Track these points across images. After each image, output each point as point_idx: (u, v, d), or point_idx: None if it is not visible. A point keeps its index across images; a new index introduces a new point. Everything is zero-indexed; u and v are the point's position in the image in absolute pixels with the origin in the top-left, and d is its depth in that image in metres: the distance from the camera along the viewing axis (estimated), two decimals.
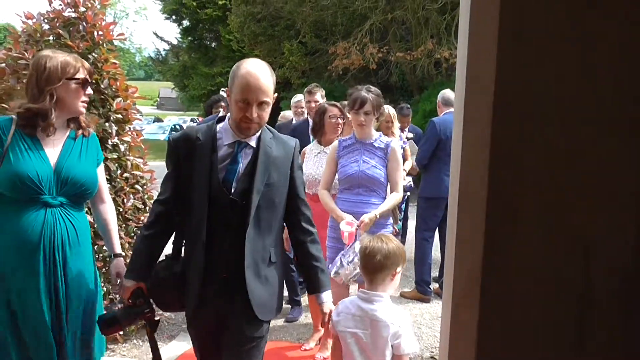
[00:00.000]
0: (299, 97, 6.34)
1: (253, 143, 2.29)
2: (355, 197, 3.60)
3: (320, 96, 5.30)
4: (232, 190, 2.23)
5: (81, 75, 2.43)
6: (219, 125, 2.32)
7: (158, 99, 66.93)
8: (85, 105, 2.49)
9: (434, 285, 5.52)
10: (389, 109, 5.13)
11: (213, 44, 24.53)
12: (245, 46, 18.31)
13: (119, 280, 2.56)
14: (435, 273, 5.92)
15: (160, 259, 2.40)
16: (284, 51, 16.70)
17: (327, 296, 2.41)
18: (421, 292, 5.31)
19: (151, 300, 2.35)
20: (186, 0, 22.88)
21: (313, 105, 5.14)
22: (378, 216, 3.48)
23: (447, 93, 5.59)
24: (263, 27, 16.95)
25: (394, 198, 3.63)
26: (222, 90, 6.34)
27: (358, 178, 3.58)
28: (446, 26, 13.33)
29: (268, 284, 2.31)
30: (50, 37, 3.82)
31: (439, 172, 5.20)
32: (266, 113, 2.21)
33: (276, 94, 2.29)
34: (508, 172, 0.88)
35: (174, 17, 24.92)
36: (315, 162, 4.22)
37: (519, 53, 0.85)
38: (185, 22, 24.81)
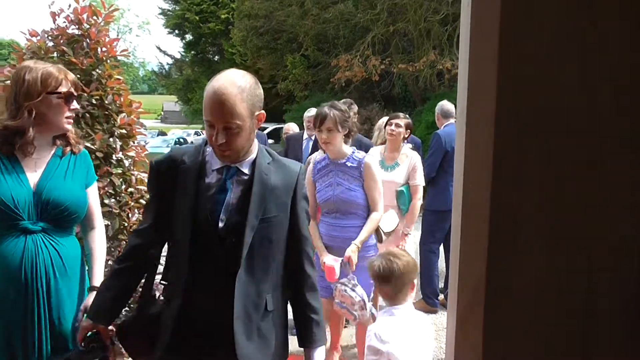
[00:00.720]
0: (312, 112, 6.11)
1: (246, 169, 1.91)
2: (334, 221, 3.46)
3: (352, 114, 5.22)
4: (221, 225, 1.86)
5: (64, 88, 2.17)
6: (209, 148, 1.93)
7: (162, 113, 67.18)
8: (71, 121, 2.24)
9: (440, 296, 5.50)
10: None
11: (216, 58, 24.66)
12: (248, 59, 18.42)
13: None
14: (441, 284, 5.90)
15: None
16: (286, 64, 16.80)
17: (319, 354, 2.04)
18: (429, 304, 5.31)
19: (111, 346, 2.04)
20: (189, 15, 23.04)
21: None
22: (360, 246, 3.34)
23: (446, 105, 5.58)
24: (265, 40, 17.06)
25: (374, 220, 3.43)
26: None
27: (334, 202, 3.41)
28: (448, 37, 13.39)
29: (262, 338, 1.91)
30: (55, 54, 3.85)
31: (446, 184, 5.23)
32: (240, 138, 1.80)
33: (261, 112, 1.88)
34: (511, 181, 0.89)
35: (176, 31, 25.08)
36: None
37: (521, 55, 0.86)
38: (188, 36, 24.98)
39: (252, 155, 1.93)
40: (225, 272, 1.85)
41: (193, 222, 1.85)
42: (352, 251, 3.28)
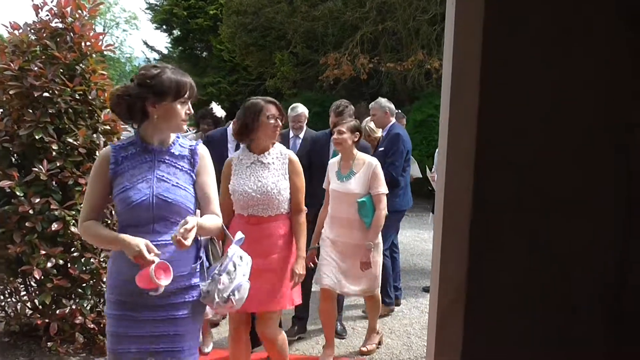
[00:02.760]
0: (298, 110, 5.25)
1: None
2: (150, 240, 2.21)
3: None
4: None
5: None
6: None
7: None
8: None
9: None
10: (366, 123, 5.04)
11: (204, 54, 24.50)
12: (236, 56, 18.33)
13: None
14: (425, 282, 5.95)
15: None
16: (275, 61, 16.73)
17: None
18: (387, 304, 5.19)
19: None
20: (177, 10, 22.86)
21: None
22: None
23: (388, 102, 5.41)
24: (254, 37, 16.97)
25: (210, 221, 2.38)
26: (214, 103, 5.63)
27: (150, 207, 2.26)
28: (436, 37, 13.41)
29: None
30: (37, 48, 3.80)
31: (405, 184, 5.21)
32: None
33: None
34: (493, 181, 0.88)
35: (164, 26, 24.90)
36: (249, 175, 3.22)
37: (504, 53, 0.85)
38: (176, 32, 24.78)
39: None
40: None
41: None
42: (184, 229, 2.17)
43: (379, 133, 5.12)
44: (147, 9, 25.78)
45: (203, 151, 2.48)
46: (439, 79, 13.16)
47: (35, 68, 3.68)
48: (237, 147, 4.84)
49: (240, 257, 2.47)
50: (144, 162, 2.35)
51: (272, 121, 3.21)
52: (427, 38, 13.72)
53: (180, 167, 2.38)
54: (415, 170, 6.25)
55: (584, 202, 0.86)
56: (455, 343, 0.93)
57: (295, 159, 3.34)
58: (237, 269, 2.42)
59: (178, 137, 2.45)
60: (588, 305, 0.87)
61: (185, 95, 2.36)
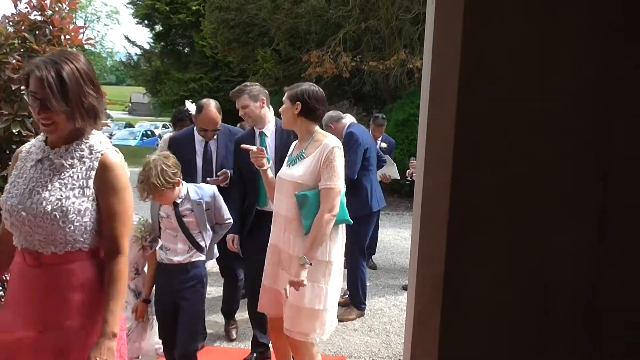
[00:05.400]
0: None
1: None
2: None
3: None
4: None
5: None
6: None
7: (130, 104, 66.07)
8: None
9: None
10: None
11: (186, 50, 24.35)
12: (219, 52, 18.25)
13: None
14: (404, 281, 5.99)
15: None
16: (257, 58, 16.68)
17: None
18: (363, 309, 5.16)
19: None
20: (159, 5, 22.67)
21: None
22: None
23: (329, 112, 5.18)
24: (237, 33, 16.90)
25: None
26: (188, 101, 5.13)
27: None
28: (419, 36, 13.46)
29: None
30: (16, 41, 3.74)
31: (370, 184, 4.97)
32: None
33: None
34: (472, 182, 0.88)
35: (146, 21, 24.67)
36: (28, 180, 1.92)
37: (483, 54, 0.86)
38: (158, 27, 24.57)
39: None
40: None
41: None
42: None
43: None
44: (128, 3, 25.51)
45: None
46: (421, 79, 13.19)
47: (14, 61, 3.62)
48: (205, 151, 4.24)
49: None
50: None
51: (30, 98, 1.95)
52: (410, 37, 13.77)
53: None
54: (393, 172, 6.23)
55: (562, 205, 0.87)
56: (432, 342, 0.93)
57: (116, 161, 1.96)
58: None
59: None
60: (564, 309, 0.88)
61: None
